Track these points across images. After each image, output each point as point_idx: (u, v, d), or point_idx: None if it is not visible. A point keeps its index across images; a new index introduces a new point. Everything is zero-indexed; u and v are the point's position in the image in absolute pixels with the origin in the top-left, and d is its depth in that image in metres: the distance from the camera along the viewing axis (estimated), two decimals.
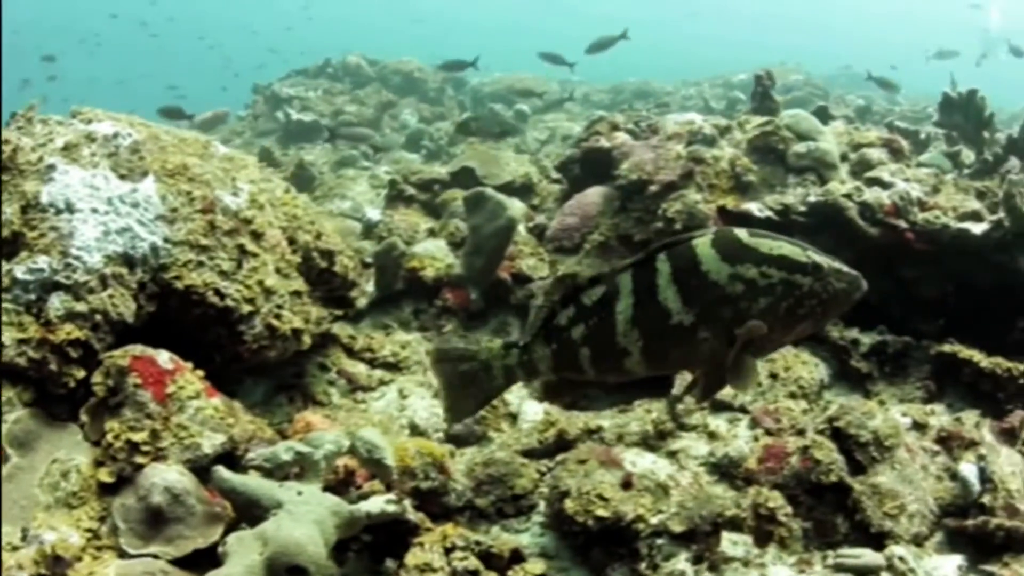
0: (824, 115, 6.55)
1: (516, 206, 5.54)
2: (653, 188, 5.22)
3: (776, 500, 3.52)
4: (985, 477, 3.65)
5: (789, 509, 3.54)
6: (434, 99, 14.32)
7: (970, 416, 4.11)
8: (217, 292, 3.76)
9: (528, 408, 4.49)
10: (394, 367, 4.84)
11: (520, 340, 3.21)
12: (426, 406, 4.45)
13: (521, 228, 5.72)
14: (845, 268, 2.88)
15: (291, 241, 4.31)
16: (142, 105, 9.61)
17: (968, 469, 3.69)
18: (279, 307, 3.97)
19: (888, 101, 16.89)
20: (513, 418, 4.46)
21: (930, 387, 4.53)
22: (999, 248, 4.87)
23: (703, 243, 2.87)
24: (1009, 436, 3.97)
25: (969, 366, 4.44)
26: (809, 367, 4.50)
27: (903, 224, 4.88)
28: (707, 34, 61.17)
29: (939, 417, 4.18)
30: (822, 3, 66.42)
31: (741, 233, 2.89)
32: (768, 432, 4.07)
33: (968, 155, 6.09)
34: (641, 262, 2.96)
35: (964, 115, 6.19)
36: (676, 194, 5.16)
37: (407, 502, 3.26)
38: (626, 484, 3.57)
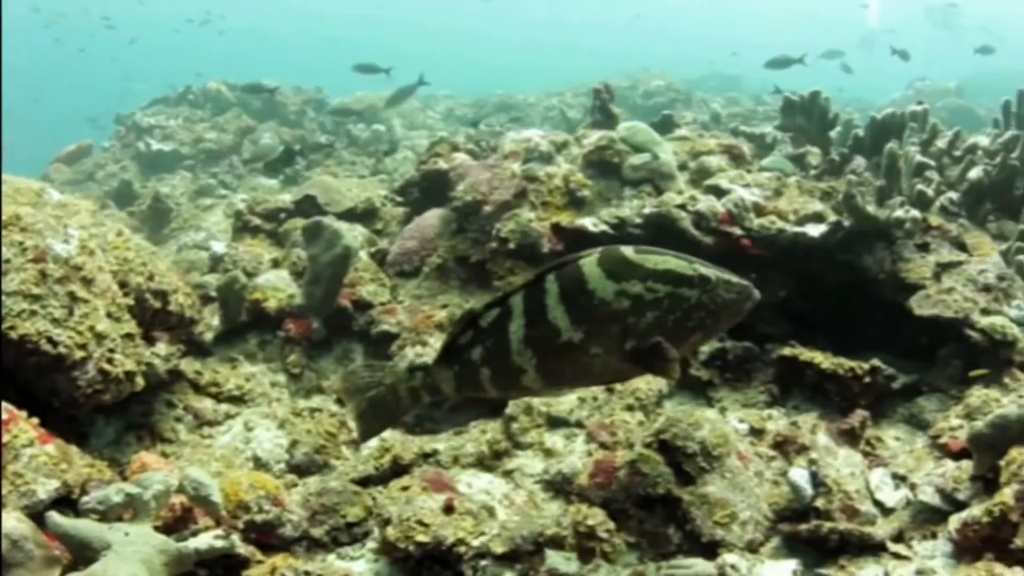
0: (669, 124, 6.69)
1: (352, 235, 5.62)
2: (488, 208, 5.31)
3: (596, 516, 3.59)
4: (818, 481, 3.75)
5: (611, 524, 3.60)
6: (294, 121, 14.28)
7: (807, 419, 4.22)
8: (50, 340, 3.78)
9: None
10: (239, 400, 4.92)
11: (432, 362, 3.35)
12: (271, 437, 4.53)
13: (363, 254, 5.81)
14: (735, 279, 3.02)
15: (123, 284, 4.35)
16: None
17: (798, 474, 3.80)
18: (111, 351, 3.99)
19: (756, 102, 17.15)
20: (356, 444, 4.54)
21: (773, 391, 4.65)
22: (843, 248, 5.03)
23: (589, 262, 3.00)
24: (850, 436, 4.11)
25: (811, 368, 4.56)
26: (647, 378, 4.53)
27: (738, 231, 4.99)
28: (575, 43, 61.59)
29: (776, 422, 4.31)
30: (706, 12, 67.29)
31: (627, 250, 3.02)
32: (603, 446, 4.16)
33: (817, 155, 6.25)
34: (531, 283, 3.08)
35: (807, 117, 6.37)
36: (510, 213, 5.25)
37: (236, 536, 3.34)
38: (448, 508, 3.68)
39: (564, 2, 59.10)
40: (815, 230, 4.94)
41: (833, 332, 4.96)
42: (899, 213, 4.93)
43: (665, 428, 3.83)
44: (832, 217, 5.04)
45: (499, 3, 52.32)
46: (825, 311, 5.12)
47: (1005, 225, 5.53)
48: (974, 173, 5.68)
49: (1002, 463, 3.42)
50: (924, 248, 5.12)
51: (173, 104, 14.61)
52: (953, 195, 5.59)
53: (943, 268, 4.91)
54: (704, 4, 68.44)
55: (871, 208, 4.95)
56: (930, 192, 5.20)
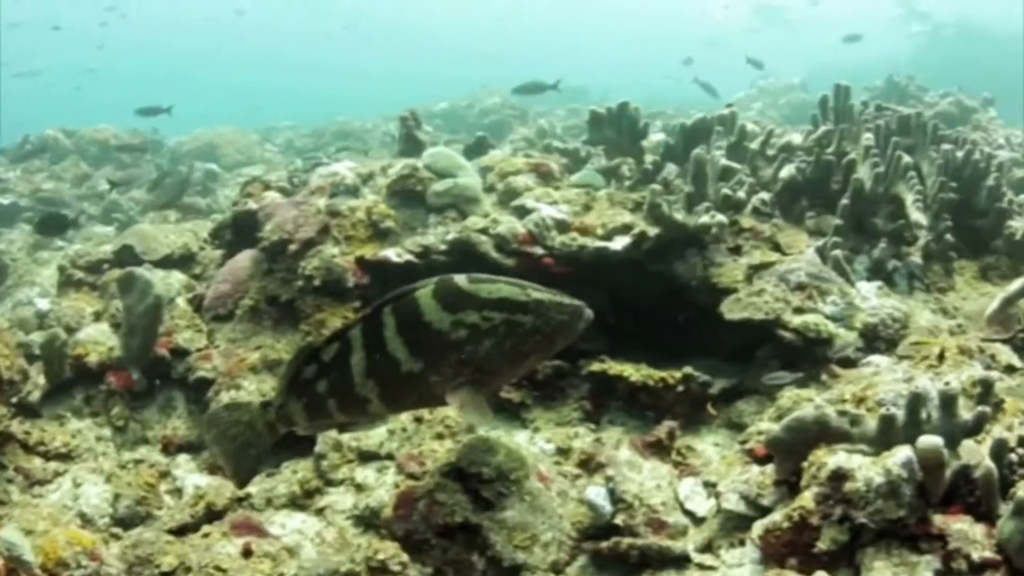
0: (483, 146, 6.72)
1: (167, 282, 5.73)
2: (293, 247, 5.27)
3: (388, 550, 3.59)
4: (616, 497, 3.76)
5: (404, 557, 3.60)
6: (131, 164, 14.09)
7: (613, 435, 4.26)
8: None
9: (190, 482, 4.63)
10: (67, 457, 4.87)
11: (275, 399, 3.55)
12: (97, 492, 4.49)
13: (180, 300, 5.77)
14: (567, 300, 3.19)
15: None
16: None
17: (594, 492, 3.81)
18: None
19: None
20: (179, 493, 4.57)
21: (586, 408, 4.66)
22: (655, 257, 5.07)
23: (424, 294, 3.15)
24: (657, 448, 4.14)
25: (622, 381, 4.58)
26: None
27: (539, 251, 5.03)
28: (421, 68, 61.64)
29: (583, 440, 4.33)
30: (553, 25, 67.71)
31: (461, 280, 3.17)
32: (412, 477, 4.16)
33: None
34: (369, 316, 3.24)
35: (616, 129, 6.38)
36: (314, 250, 5.21)
37: None
38: (246, 552, 3.71)
39: (409, 27, 59.19)
40: (619, 243, 4.98)
41: (654, 343, 4.99)
42: (705, 219, 4.99)
43: (460, 455, 3.85)
44: (640, 228, 5.08)
45: (344, 31, 52.24)
46: (645, 322, 5.13)
47: (823, 221, 5.60)
48: (786, 172, 5.80)
49: (804, 465, 3.43)
50: (737, 251, 5.20)
51: (10, 155, 14.37)
52: (765, 196, 5.67)
53: (755, 270, 4.97)
54: (551, 19, 68.92)
55: (679, 216, 5.00)
56: (741, 194, 5.27)
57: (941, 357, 4.22)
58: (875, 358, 4.44)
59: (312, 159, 11.55)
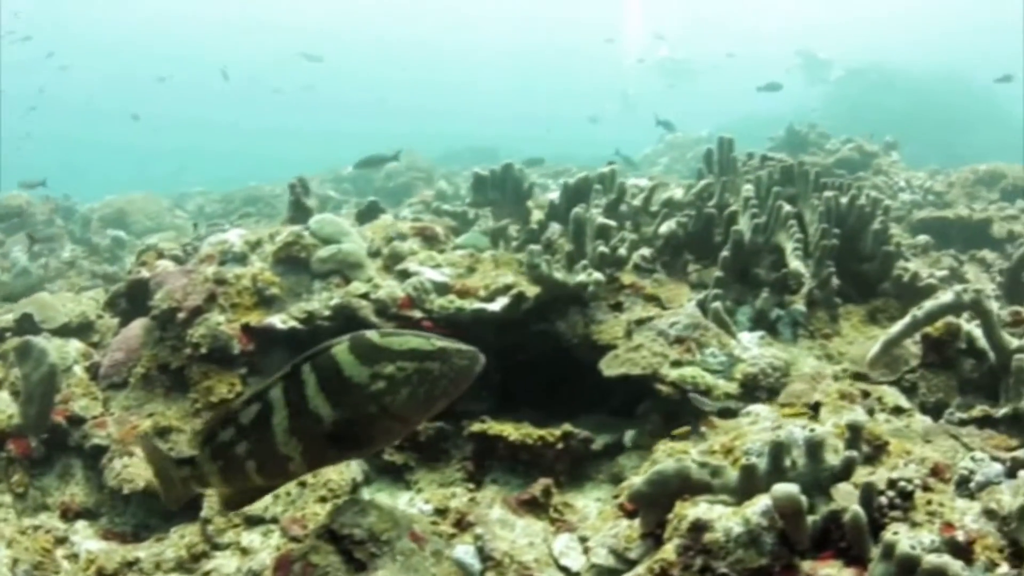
0: (375, 210, 6.79)
1: (63, 351, 5.70)
2: (182, 315, 5.31)
3: None
4: (486, 555, 3.84)
5: None
6: (42, 230, 14.02)
7: (487, 494, 4.34)
8: None
9: (85, 547, 4.66)
10: None
11: (190, 456, 3.59)
12: None
13: (78, 368, 5.75)
14: (464, 347, 3.35)
15: None
16: None
17: (462, 550, 3.90)
18: None
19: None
20: (75, 558, 4.59)
21: (468, 468, 4.74)
22: (538, 316, 5.18)
23: (341, 350, 3.28)
24: (532, 505, 4.22)
25: (502, 441, 4.66)
26: (340, 468, 4.61)
27: (418, 314, 5.12)
28: (335, 128, 61.63)
29: (460, 499, 4.40)
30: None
31: (373, 335, 3.34)
32: (295, 540, 4.21)
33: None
34: (287, 376, 3.33)
35: (501, 191, 6.52)
36: (201, 318, 5.26)
37: None
38: None
39: (322, 88, 59.26)
40: (497, 304, 5.08)
41: (542, 401, 5.09)
42: (582, 277, 5.10)
43: (334, 517, 3.90)
44: (519, 288, 5.17)
45: (254, 93, 52.16)
46: (532, 381, 5.22)
47: (707, 273, 5.72)
48: (665, 227, 5.90)
49: (669, 518, 3.51)
50: (618, 308, 5.30)
51: None
52: (647, 251, 5.78)
53: (635, 325, 5.02)
54: (469, 77, 69.37)
55: (558, 275, 5.11)
56: (622, 251, 5.41)
57: (819, 405, 4.35)
58: (755, 407, 4.48)
59: (215, 225, 11.58)
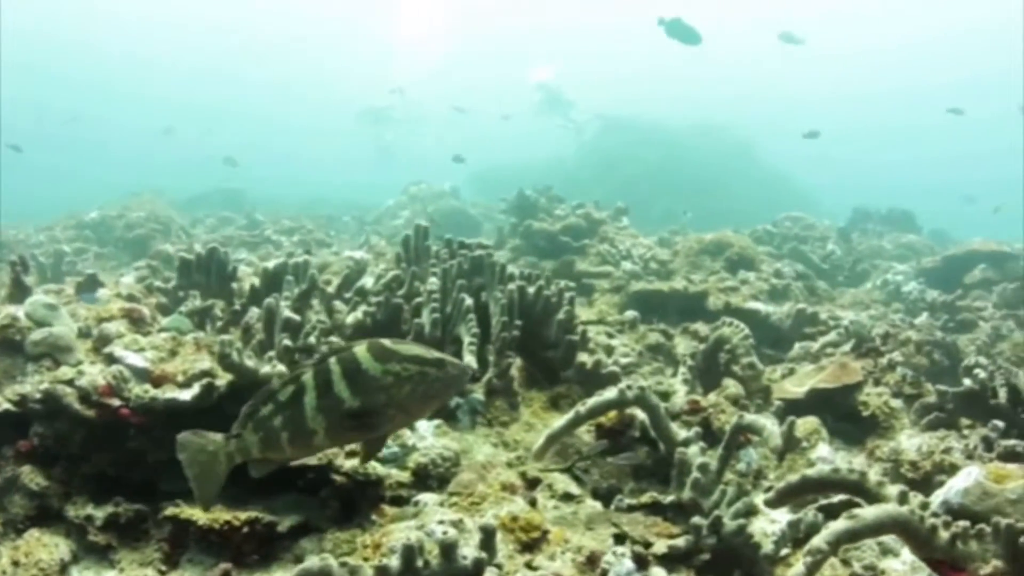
0: (93, 283, 7.01)
1: None
2: None
3: None
4: None
5: None
6: None
7: (183, 572, 4.81)
8: None
9: None
10: None
11: (234, 431, 4.43)
12: None
13: None
14: (457, 361, 4.34)
15: None
16: None
17: None
18: None
19: (248, 219, 17.65)
20: None
21: (165, 548, 5.02)
22: (232, 402, 5.32)
23: (361, 349, 4.22)
24: None
25: (192, 524, 4.94)
26: (50, 548, 4.90)
27: (117, 402, 5.32)
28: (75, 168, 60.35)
29: None
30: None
31: (386, 342, 4.26)
32: None
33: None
34: (317, 364, 4.28)
35: (206, 273, 6.85)
36: None
37: None
38: None
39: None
40: (188, 394, 5.37)
41: (246, 479, 5.33)
42: (267, 369, 5.46)
43: None
44: (212, 377, 5.48)
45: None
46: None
47: None
48: (352, 318, 6.36)
49: None
50: None
51: None
52: (335, 340, 6.18)
53: None
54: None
55: (249, 363, 5.45)
56: (312, 339, 5.79)
57: (483, 496, 4.85)
58: (424, 496, 4.99)
59: None
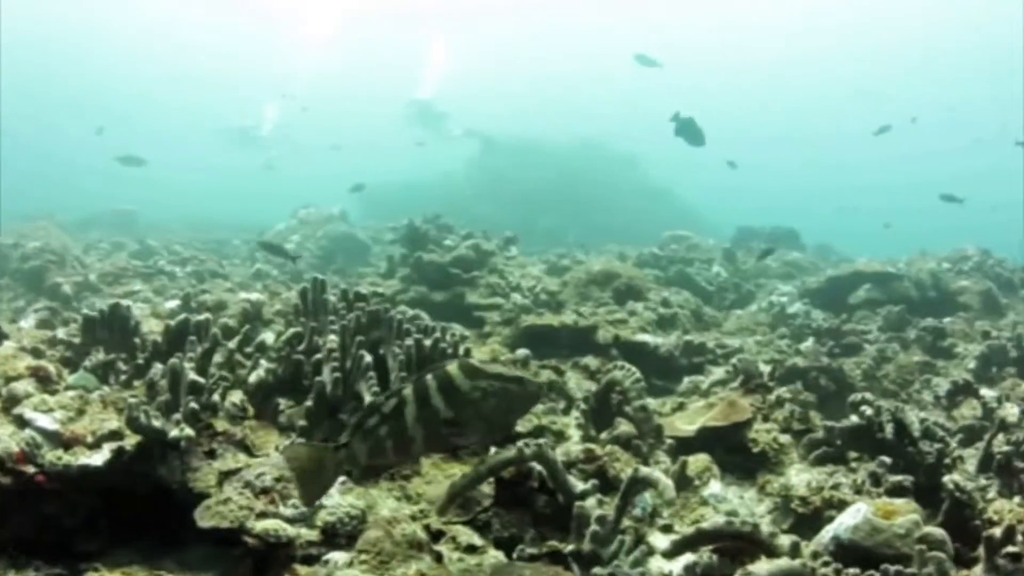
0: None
1: None
2: None
3: None
4: None
5: None
6: None
7: None
8: None
9: None
10: None
11: (342, 441, 4.71)
12: None
13: None
14: (533, 380, 4.80)
15: None
16: None
17: None
18: None
19: (140, 246, 17.67)
20: None
21: None
22: (139, 461, 5.55)
23: (453, 367, 4.64)
24: None
25: None
26: None
27: (31, 469, 5.35)
28: None
29: None
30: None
31: (474, 361, 4.77)
32: None
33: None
34: (416, 381, 4.67)
35: (109, 329, 6.94)
36: None
37: None
38: None
39: None
40: (99, 458, 5.43)
41: (159, 534, 5.46)
42: (175, 432, 5.54)
43: None
44: (122, 438, 5.56)
45: None
46: (146, 518, 5.52)
47: (296, 414, 6.34)
48: (255, 376, 6.57)
49: None
50: (212, 455, 5.70)
51: None
52: (237, 398, 6.36)
53: (225, 475, 5.50)
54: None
55: (156, 423, 5.51)
56: (215, 397, 5.96)
57: (391, 554, 5.05)
58: (334, 555, 5.13)
59: None
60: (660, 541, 5.91)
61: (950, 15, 68.34)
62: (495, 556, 5.46)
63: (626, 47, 30.54)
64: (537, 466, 5.92)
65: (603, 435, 7.27)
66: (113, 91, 76.36)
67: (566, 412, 8.89)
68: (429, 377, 4.69)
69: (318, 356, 6.68)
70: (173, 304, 8.04)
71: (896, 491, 6.58)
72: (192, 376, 5.99)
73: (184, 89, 74.51)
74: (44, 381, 6.26)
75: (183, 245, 20.67)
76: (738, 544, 5.44)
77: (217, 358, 6.71)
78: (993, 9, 62.27)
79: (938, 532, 5.47)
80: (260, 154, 43.50)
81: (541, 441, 5.92)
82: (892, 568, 4.84)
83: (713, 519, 5.69)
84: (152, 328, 7.91)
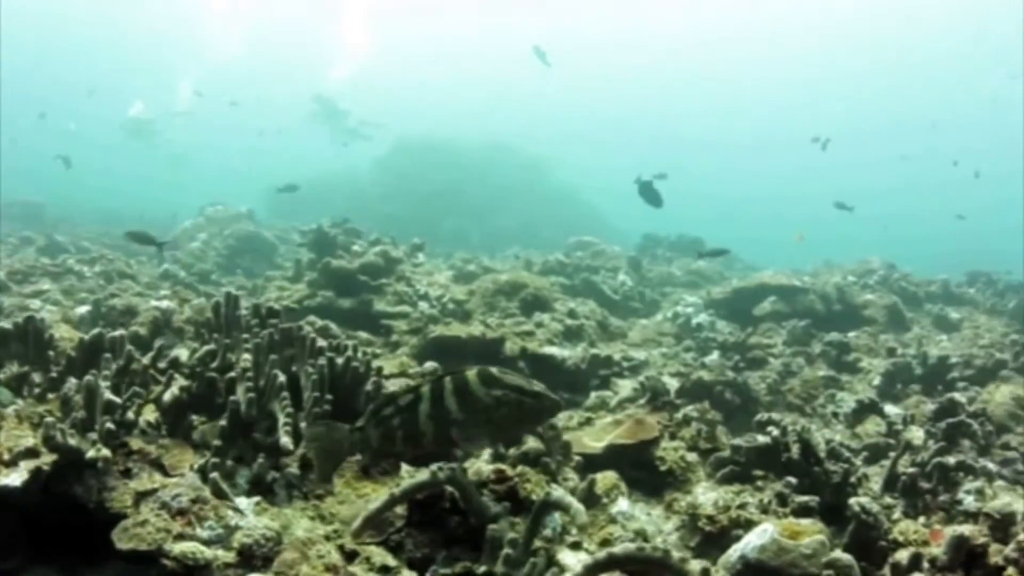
0: None
1: None
2: None
3: None
4: None
5: None
6: None
7: None
8: None
9: None
10: None
11: (358, 425, 5.23)
12: None
13: None
14: (551, 394, 5.10)
15: None
16: None
17: None
18: None
19: (48, 242, 17.55)
20: None
21: None
22: (57, 479, 5.51)
23: (471, 375, 5.01)
24: None
25: None
26: None
27: None
28: None
29: None
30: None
31: (493, 370, 5.05)
32: None
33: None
34: (434, 382, 5.10)
35: (23, 342, 6.92)
36: None
37: None
38: None
39: None
40: (17, 479, 5.36)
41: (78, 551, 5.52)
42: (92, 453, 5.52)
43: None
44: (39, 459, 5.50)
45: None
46: (66, 535, 5.59)
47: (210, 432, 6.33)
48: (169, 395, 6.55)
49: None
50: (127, 474, 5.66)
51: None
52: (152, 416, 6.38)
53: (142, 496, 5.42)
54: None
55: (72, 441, 5.49)
56: (130, 415, 5.97)
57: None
58: None
59: None
60: (569, 558, 5.96)
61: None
62: None
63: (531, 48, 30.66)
64: (447, 489, 5.99)
65: (511, 451, 7.35)
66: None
67: None
68: (447, 379, 5.07)
69: (231, 375, 6.69)
70: (83, 310, 8.03)
71: (802, 511, 6.83)
72: (108, 395, 5.95)
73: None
74: None
75: (91, 241, 20.61)
76: (649, 569, 5.55)
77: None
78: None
79: (845, 557, 5.67)
80: (162, 146, 43.09)
81: (454, 465, 5.98)
82: None
83: (624, 544, 5.77)
84: (63, 335, 7.92)
